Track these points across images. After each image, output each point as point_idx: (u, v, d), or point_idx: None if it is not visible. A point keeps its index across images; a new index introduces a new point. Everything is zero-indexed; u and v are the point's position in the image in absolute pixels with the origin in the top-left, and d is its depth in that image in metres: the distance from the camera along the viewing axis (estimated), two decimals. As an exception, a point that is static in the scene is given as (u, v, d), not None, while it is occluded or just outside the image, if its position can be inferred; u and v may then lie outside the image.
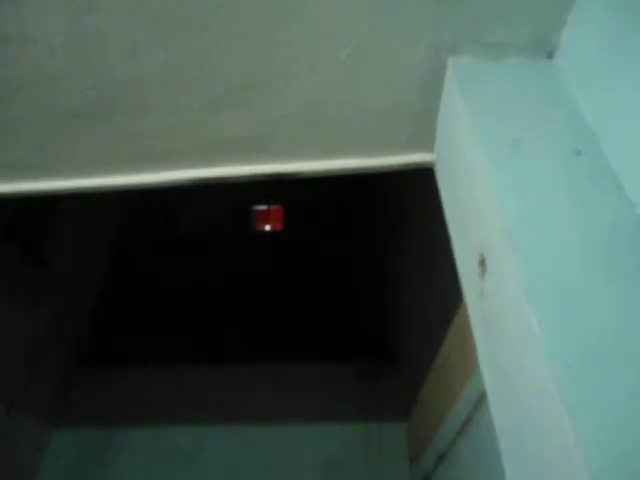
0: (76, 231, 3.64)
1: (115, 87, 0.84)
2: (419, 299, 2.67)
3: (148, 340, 3.71)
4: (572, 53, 0.77)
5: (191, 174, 1.00)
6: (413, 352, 2.89)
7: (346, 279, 4.25)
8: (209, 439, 3.15)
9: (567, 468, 0.49)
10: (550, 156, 0.68)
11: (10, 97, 0.85)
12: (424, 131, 0.93)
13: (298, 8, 0.73)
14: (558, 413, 0.49)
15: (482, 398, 1.69)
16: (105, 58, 0.79)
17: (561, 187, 0.65)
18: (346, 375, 3.42)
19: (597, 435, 0.47)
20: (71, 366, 3.46)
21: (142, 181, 1.02)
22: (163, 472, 3.04)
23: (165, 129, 0.92)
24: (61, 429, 3.20)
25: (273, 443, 3.11)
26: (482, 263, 0.71)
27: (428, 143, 0.96)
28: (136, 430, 3.19)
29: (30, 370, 3.01)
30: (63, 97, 0.85)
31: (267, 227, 4.91)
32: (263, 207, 4.91)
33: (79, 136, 0.93)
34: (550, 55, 0.80)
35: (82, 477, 3.06)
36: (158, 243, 4.47)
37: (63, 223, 3.44)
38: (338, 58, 0.80)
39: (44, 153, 0.97)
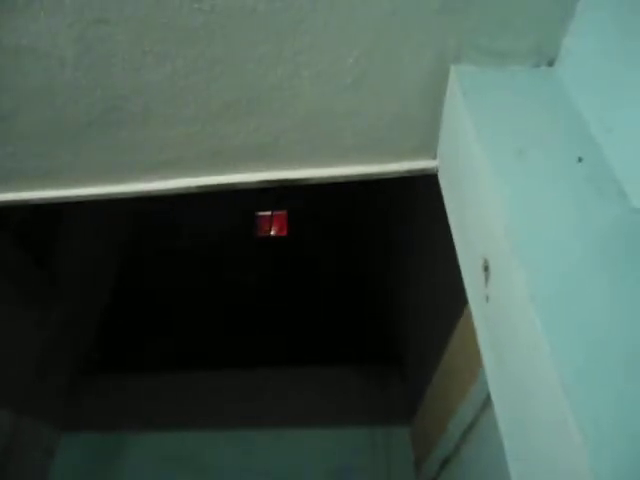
0: (85, 237, 3.66)
1: (123, 97, 0.85)
2: (424, 303, 2.67)
3: (156, 346, 3.72)
4: (573, 61, 0.78)
5: (198, 181, 1.02)
6: (418, 355, 2.89)
7: (351, 283, 4.26)
8: (215, 444, 3.15)
9: (573, 469, 0.50)
10: (553, 163, 0.69)
11: (21, 108, 0.86)
12: (427, 138, 0.95)
13: (303, 19, 0.75)
14: (564, 415, 0.50)
15: (486, 401, 1.70)
16: (114, 69, 0.81)
17: (564, 193, 0.66)
18: (351, 379, 3.41)
19: (603, 437, 0.48)
20: (79, 371, 3.48)
21: (149, 188, 1.04)
22: (170, 477, 3.05)
23: (172, 138, 0.93)
24: (70, 433, 3.22)
25: (278, 447, 3.11)
26: (486, 269, 0.72)
27: (431, 150, 0.97)
28: (144, 435, 3.20)
29: (39, 375, 3.02)
30: (72, 108, 0.86)
31: (271, 232, 4.93)
32: (267, 213, 4.93)
33: (88, 145, 0.94)
34: (551, 63, 0.81)
35: (91, 481, 3.08)
36: (163, 249, 4.48)
37: (72, 229, 3.46)
38: (343, 68, 0.81)
39: (53, 162, 0.98)
